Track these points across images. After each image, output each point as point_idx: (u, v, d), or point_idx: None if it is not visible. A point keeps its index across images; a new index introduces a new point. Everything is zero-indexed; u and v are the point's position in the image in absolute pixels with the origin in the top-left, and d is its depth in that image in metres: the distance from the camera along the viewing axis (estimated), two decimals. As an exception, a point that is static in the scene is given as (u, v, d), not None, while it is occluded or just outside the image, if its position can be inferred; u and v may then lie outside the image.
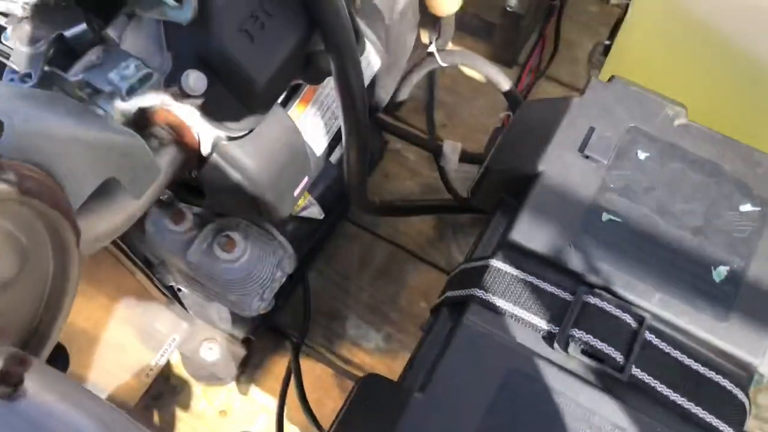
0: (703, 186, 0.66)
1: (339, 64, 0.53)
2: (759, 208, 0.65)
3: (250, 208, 0.58)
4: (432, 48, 0.82)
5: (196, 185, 0.59)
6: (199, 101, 0.49)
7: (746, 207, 0.65)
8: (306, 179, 0.61)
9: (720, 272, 0.62)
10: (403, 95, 0.92)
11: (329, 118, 0.63)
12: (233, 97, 0.50)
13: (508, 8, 1.02)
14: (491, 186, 0.74)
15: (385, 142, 1.05)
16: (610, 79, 0.73)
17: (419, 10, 0.72)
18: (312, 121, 0.62)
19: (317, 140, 0.62)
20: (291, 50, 0.51)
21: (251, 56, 0.48)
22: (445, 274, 0.95)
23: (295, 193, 0.60)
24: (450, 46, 0.85)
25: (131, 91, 0.46)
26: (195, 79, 0.48)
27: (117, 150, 0.41)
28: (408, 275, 0.94)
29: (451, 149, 0.96)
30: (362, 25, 0.64)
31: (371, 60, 0.67)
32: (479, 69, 0.82)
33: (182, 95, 0.48)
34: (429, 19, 0.78)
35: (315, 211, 0.72)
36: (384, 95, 0.75)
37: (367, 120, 0.59)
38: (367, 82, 0.68)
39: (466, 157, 0.96)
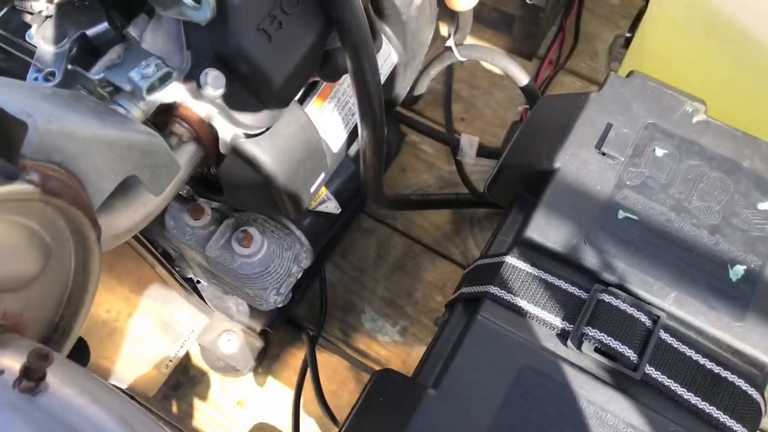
0: (721, 183, 0.66)
1: (355, 62, 0.53)
2: (778, 207, 0.64)
3: (268, 204, 0.58)
4: (450, 42, 0.82)
5: (214, 181, 0.60)
6: (218, 99, 0.50)
7: (765, 205, 0.65)
8: (323, 175, 0.62)
9: (737, 271, 0.62)
10: (420, 89, 0.92)
11: (347, 114, 0.64)
12: (251, 96, 0.51)
13: (528, 1, 1.01)
14: (507, 182, 0.74)
15: (403, 135, 1.05)
16: (629, 75, 0.73)
17: (437, 4, 0.72)
18: (329, 117, 0.62)
19: (334, 136, 0.63)
20: (308, 49, 0.51)
21: (269, 55, 0.49)
22: (461, 268, 0.95)
23: (312, 189, 0.61)
24: (468, 39, 0.85)
25: (151, 90, 0.47)
26: (214, 78, 0.48)
27: (137, 148, 0.42)
28: (424, 269, 0.94)
29: (469, 143, 0.96)
30: (379, 21, 0.64)
31: (389, 56, 0.67)
32: (497, 63, 0.82)
33: (201, 93, 0.49)
34: (447, 13, 0.78)
35: (332, 206, 0.72)
36: (401, 90, 0.75)
37: (384, 116, 0.59)
38: (384, 78, 0.68)
39: (483, 152, 0.96)
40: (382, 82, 0.68)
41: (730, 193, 0.65)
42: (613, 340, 0.57)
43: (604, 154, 0.67)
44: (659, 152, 0.67)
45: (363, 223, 0.97)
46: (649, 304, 0.60)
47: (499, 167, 0.75)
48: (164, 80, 0.47)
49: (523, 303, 0.61)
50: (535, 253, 0.63)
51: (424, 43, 0.73)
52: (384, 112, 0.58)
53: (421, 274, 0.94)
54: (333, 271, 0.94)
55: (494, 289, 0.62)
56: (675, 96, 0.71)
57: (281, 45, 0.49)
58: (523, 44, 1.11)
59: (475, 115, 1.08)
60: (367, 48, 0.52)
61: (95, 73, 0.47)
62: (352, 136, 0.65)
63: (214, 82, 0.48)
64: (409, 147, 1.05)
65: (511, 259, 0.63)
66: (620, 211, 0.64)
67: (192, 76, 0.49)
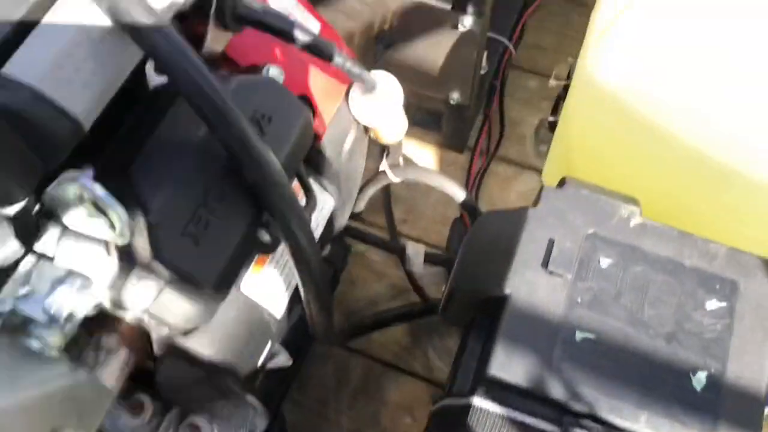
0: (668, 287, 0.66)
1: (289, 236, 0.51)
2: (724, 303, 0.65)
3: (214, 394, 0.55)
4: (384, 166, 0.81)
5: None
6: (149, 308, 0.47)
7: (712, 304, 0.65)
8: (269, 344, 0.59)
9: (699, 379, 0.61)
10: (359, 207, 0.91)
11: (287, 274, 0.61)
12: (185, 297, 0.48)
13: (451, 102, 1.02)
14: (461, 305, 0.73)
15: (348, 247, 1.03)
16: (561, 183, 0.73)
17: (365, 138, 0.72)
18: (270, 282, 0.60)
19: (277, 300, 0.60)
20: (239, 240, 0.49)
21: (197, 261, 0.46)
22: (426, 383, 0.92)
23: (259, 363, 0.58)
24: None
25: (71, 318, 0.43)
26: (142, 288, 0.45)
27: (58, 398, 0.38)
28: (387, 390, 0.91)
29: (414, 252, 0.94)
30: (315, 176, 0.63)
31: (325, 204, 0.66)
32: (433, 183, 0.82)
33: (129, 306, 0.46)
34: (377, 144, 0.77)
35: (283, 359, 0.69)
36: (341, 224, 0.73)
37: (324, 272, 0.57)
38: (323, 225, 0.67)
39: (430, 259, 0.95)
40: (322, 228, 0.67)
41: (678, 295, 0.65)
42: (591, 479, 0.55)
43: (551, 272, 0.66)
44: (604, 263, 0.67)
45: (317, 350, 0.94)
46: (621, 429, 0.59)
47: (448, 292, 0.73)
48: (85, 302, 0.44)
49: (495, 449, 0.58)
50: (502, 390, 0.61)
51: (357, 179, 0.72)
52: (324, 273, 0.56)
53: (385, 396, 0.91)
54: (292, 410, 0.89)
55: (465, 436, 0.59)
56: (609, 201, 0.71)
57: (209, 246, 0.47)
58: (453, 139, 1.12)
59: (417, 216, 1.08)
60: (301, 222, 0.51)
61: (3, 305, 0.43)
62: (296, 294, 0.62)
63: (143, 293, 0.45)
64: (356, 258, 1.03)
65: (478, 401, 0.61)
66: (577, 332, 0.63)
67: (117, 286, 0.46)
